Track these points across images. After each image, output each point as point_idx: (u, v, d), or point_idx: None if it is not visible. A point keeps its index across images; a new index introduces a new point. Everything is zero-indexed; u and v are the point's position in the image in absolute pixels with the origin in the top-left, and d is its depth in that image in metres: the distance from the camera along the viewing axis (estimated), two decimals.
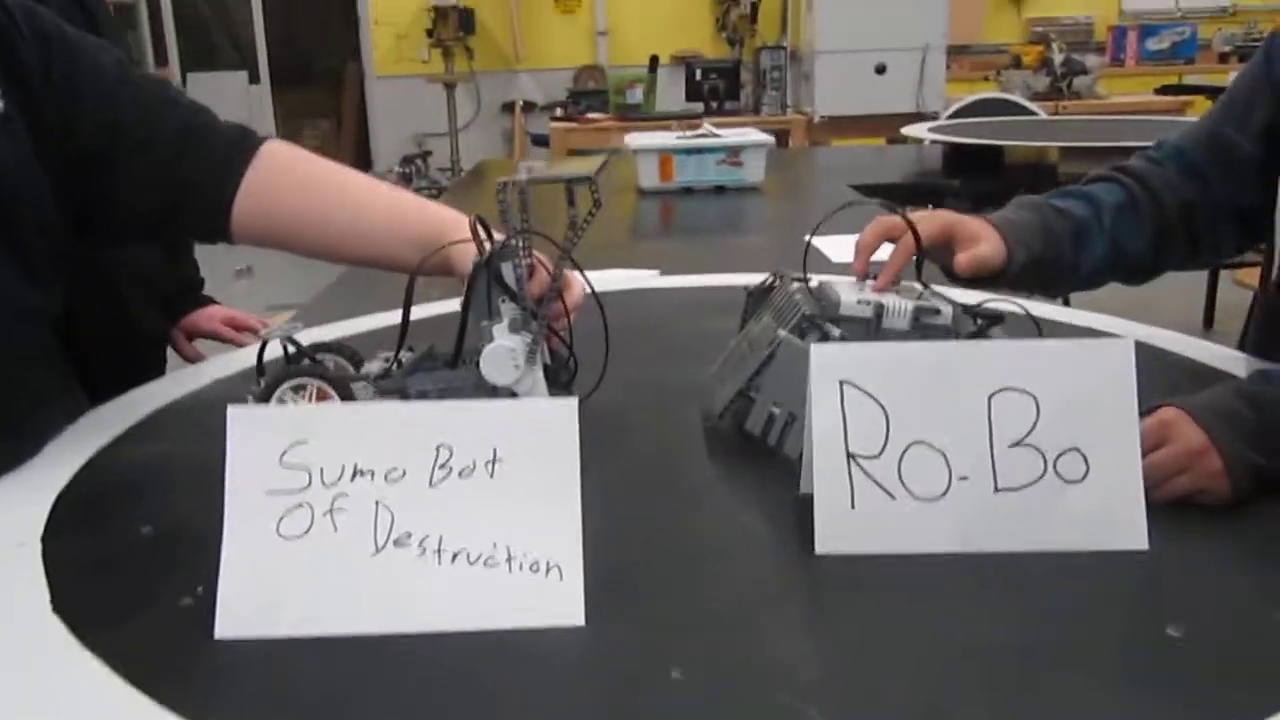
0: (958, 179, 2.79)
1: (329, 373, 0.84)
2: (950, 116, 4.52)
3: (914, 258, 0.94)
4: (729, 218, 2.29)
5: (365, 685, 0.55)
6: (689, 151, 2.52)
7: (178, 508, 0.76)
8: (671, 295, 1.41)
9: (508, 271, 0.85)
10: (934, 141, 3.11)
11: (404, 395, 0.85)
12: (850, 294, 0.87)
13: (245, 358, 1.14)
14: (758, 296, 0.97)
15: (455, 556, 0.60)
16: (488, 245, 0.85)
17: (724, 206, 2.38)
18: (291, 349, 0.85)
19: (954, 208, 3.00)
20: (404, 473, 0.60)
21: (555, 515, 0.61)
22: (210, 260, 1.50)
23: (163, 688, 0.53)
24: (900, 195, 2.92)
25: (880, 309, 0.85)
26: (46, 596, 0.62)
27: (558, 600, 0.59)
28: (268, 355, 0.87)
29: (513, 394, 0.84)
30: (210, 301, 1.50)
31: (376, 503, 0.60)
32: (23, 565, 0.67)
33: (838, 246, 1.82)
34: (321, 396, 0.82)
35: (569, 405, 0.63)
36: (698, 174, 2.53)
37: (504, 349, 0.82)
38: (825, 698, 0.52)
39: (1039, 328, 0.90)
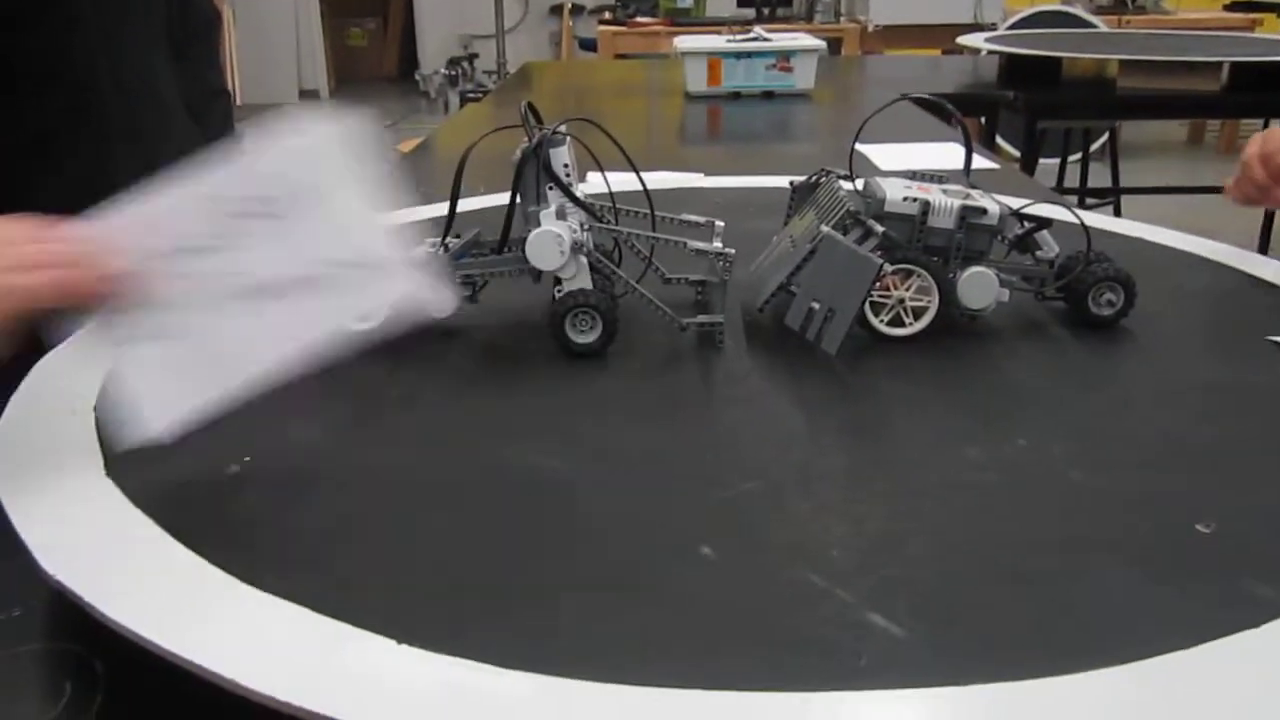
0: (1013, 91, 2.73)
1: None
2: (1009, 29, 4.40)
3: (965, 156, 0.94)
4: (777, 123, 2.26)
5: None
6: (738, 55, 2.48)
7: None
8: (715, 195, 1.40)
9: (556, 159, 0.85)
10: (990, 52, 3.03)
11: (454, 280, 0.86)
12: (896, 191, 0.86)
13: None
14: (803, 193, 0.96)
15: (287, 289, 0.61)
16: (536, 132, 0.86)
17: (772, 112, 2.35)
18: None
19: (1009, 120, 2.94)
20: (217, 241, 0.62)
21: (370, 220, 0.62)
22: None
23: (209, 546, 0.55)
24: (957, 107, 2.88)
25: (926, 206, 0.84)
26: (100, 462, 0.64)
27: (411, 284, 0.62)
28: None
29: (558, 281, 0.85)
30: None
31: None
32: (78, 431, 0.69)
33: (886, 154, 1.80)
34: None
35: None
36: (746, 79, 2.49)
37: (550, 234, 0.82)
38: (852, 581, 0.53)
39: (1088, 233, 0.89)
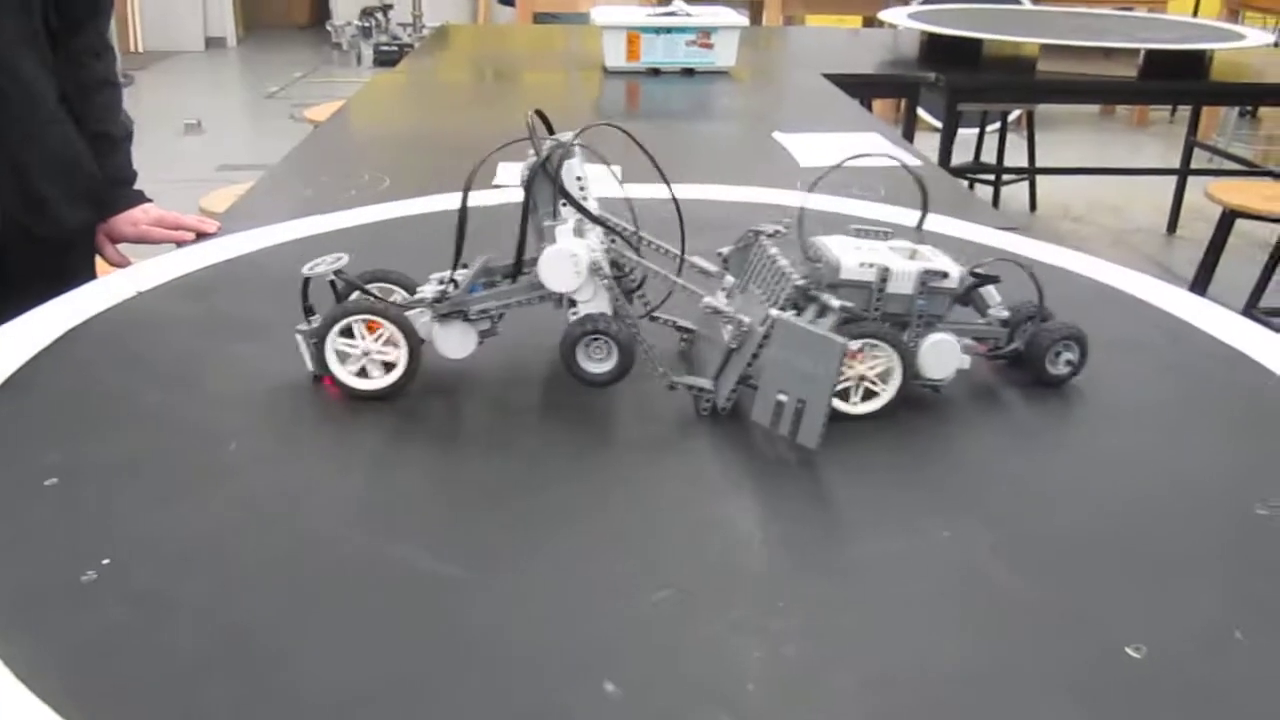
0: (934, 70, 2.70)
1: (383, 305, 0.79)
2: (929, 0, 4.38)
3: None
4: (698, 103, 2.20)
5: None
6: (658, 30, 2.42)
7: (89, 456, 0.71)
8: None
9: (569, 173, 0.78)
10: (909, 28, 3.01)
11: (465, 317, 0.80)
12: (850, 256, 0.78)
13: (176, 265, 1.07)
14: (736, 259, 0.87)
15: None
16: (546, 143, 0.78)
17: (692, 90, 2.29)
18: (340, 284, 0.81)
19: (929, 100, 2.92)
20: None
21: None
22: (158, 115, 1.40)
23: (51, 688, 0.49)
24: (876, 87, 2.85)
25: (885, 273, 0.77)
26: None
27: None
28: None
29: (573, 303, 0.79)
30: (142, 199, 1.40)
31: None
32: None
33: (806, 145, 1.76)
34: (372, 329, 0.78)
35: None
36: (666, 55, 2.42)
37: (564, 253, 0.75)
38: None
39: (1038, 285, 0.85)
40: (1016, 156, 4.36)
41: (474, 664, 0.52)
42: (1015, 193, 4.41)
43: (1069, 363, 0.84)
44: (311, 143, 1.92)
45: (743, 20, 2.47)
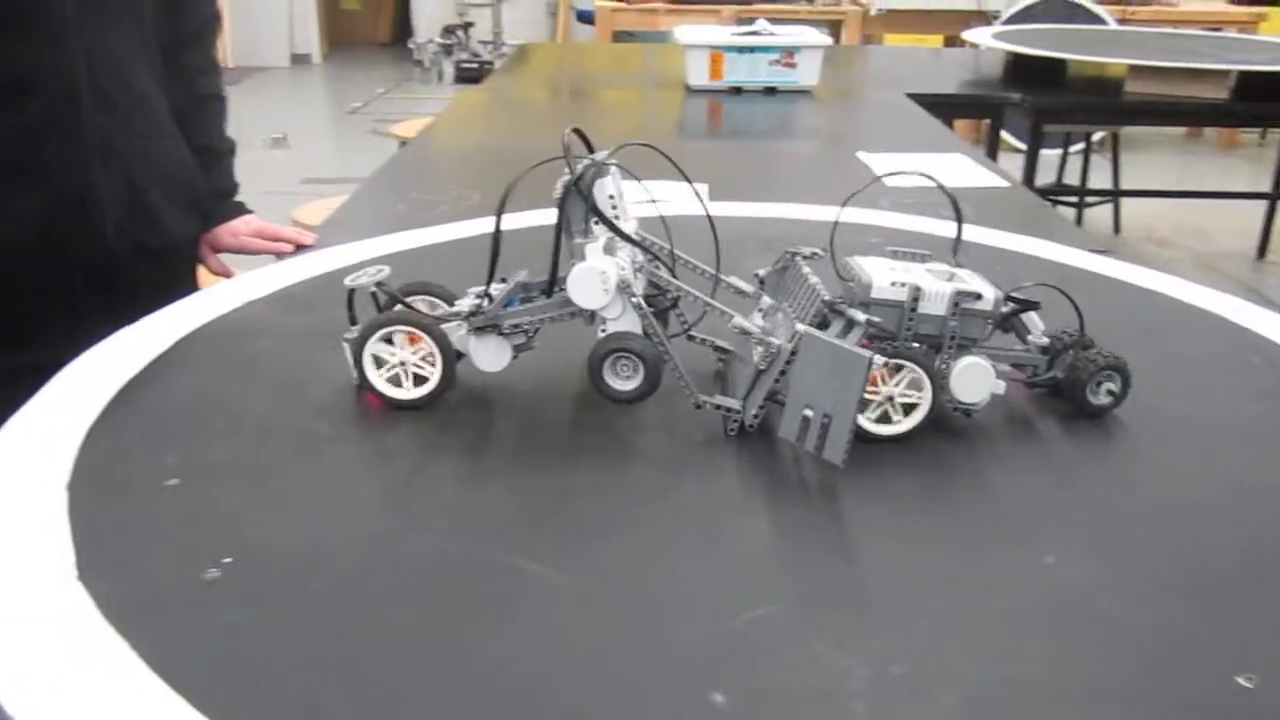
0: (1018, 91, 2.68)
1: (420, 317, 0.81)
2: (1010, 19, 4.34)
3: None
4: (780, 122, 2.21)
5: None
6: (741, 50, 2.43)
7: (205, 458, 0.73)
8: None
9: (601, 192, 0.79)
10: (990, 48, 2.98)
11: (499, 331, 0.82)
12: (883, 276, 0.78)
13: (280, 276, 1.10)
14: (772, 280, 0.88)
15: None
16: (580, 163, 0.79)
17: (774, 109, 2.30)
18: (383, 296, 0.84)
19: (1011, 121, 2.89)
20: None
21: None
22: (245, 128, 1.45)
23: (188, 681, 0.51)
24: (958, 108, 2.82)
25: (917, 292, 0.77)
26: (73, 559, 0.60)
27: None
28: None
29: (591, 320, 0.80)
30: (243, 210, 1.44)
31: None
32: (50, 519, 0.65)
33: (891, 167, 1.76)
34: (414, 341, 0.80)
35: None
36: (749, 74, 2.43)
37: (593, 270, 0.77)
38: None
39: (1079, 311, 0.84)
40: (1100, 178, 4.30)
41: (577, 668, 0.54)
42: (1098, 215, 4.34)
43: (1110, 393, 0.82)
44: (401, 158, 1.96)
45: (827, 40, 2.47)
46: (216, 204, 1.41)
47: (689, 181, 0.84)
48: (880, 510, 0.70)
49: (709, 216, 0.84)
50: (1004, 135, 3.84)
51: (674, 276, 0.83)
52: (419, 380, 0.81)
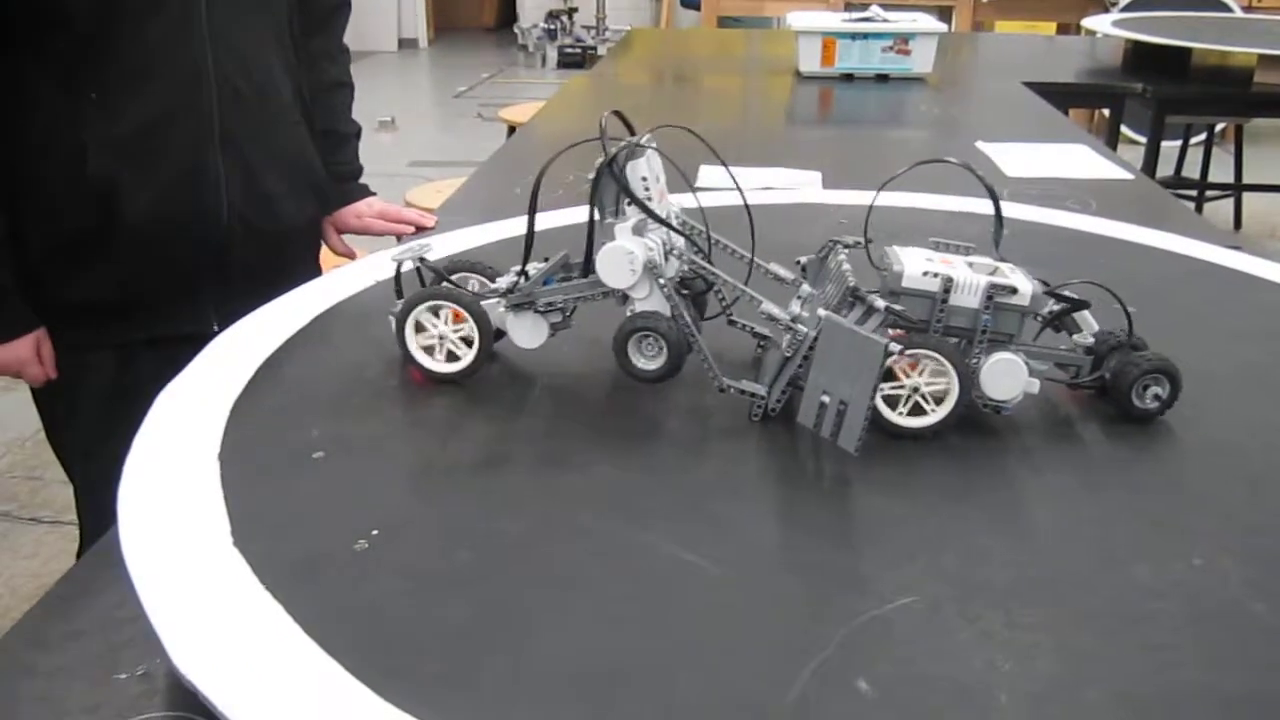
0: (1137, 81, 2.60)
1: (459, 293, 0.83)
2: (1129, 5, 4.21)
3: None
4: (894, 110, 2.18)
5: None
6: (854, 36, 2.40)
7: (349, 432, 0.76)
8: (832, 213, 1.34)
9: (634, 173, 0.79)
10: (1108, 35, 2.89)
11: (535, 309, 0.83)
12: (916, 263, 0.76)
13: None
14: (814, 269, 0.86)
15: None
16: (618, 143, 0.80)
17: (887, 97, 2.27)
18: (428, 272, 0.86)
19: (1131, 111, 2.81)
20: None
21: None
22: (355, 112, 1.47)
23: (341, 644, 0.53)
24: (1075, 97, 2.75)
25: (949, 283, 0.75)
26: (228, 528, 0.62)
27: None
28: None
29: (623, 300, 0.81)
30: (367, 193, 1.47)
31: None
32: (205, 481, 0.67)
33: (1009, 155, 1.72)
34: (456, 317, 0.83)
35: None
36: (862, 60, 2.41)
37: (621, 250, 0.78)
38: None
39: (1127, 312, 0.80)
40: (1220, 172, 4.15)
41: (719, 650, 0.54)
42: (1218, 209, 4.20)
43: (1157, 397, 0.78)
44: (515, 143, 1.99)
45: (941, 26, 2.43)
46: (341, 186, 1.44)
47: (724, 165, 0.85)
48: (1021, 503, 0.69)
49: (746, 205, 0.85)
50: (1122, 128, 3.73)
51: (710, 260, 0.84)
52: (452, 357, 0.84)
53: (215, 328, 1.22)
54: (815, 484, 0.71)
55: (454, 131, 5.84)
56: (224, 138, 1.22)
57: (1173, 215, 1.45)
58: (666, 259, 0.80)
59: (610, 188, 0.80)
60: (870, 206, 0.84)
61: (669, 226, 0.80)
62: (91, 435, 1.25)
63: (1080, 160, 1.72)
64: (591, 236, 0.81)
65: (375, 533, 0.62)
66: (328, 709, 0.49)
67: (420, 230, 1.32)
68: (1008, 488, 0.72)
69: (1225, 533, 0.66)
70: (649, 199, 0.79)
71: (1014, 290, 0.76)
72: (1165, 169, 3.92)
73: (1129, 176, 1.65)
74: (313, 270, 1.38)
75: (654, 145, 0.82)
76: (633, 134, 0.82)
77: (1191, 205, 4.03)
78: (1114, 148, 2.66)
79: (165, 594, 0.56)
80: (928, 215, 1.30)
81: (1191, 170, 4.12)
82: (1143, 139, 3.33)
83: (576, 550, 0.62)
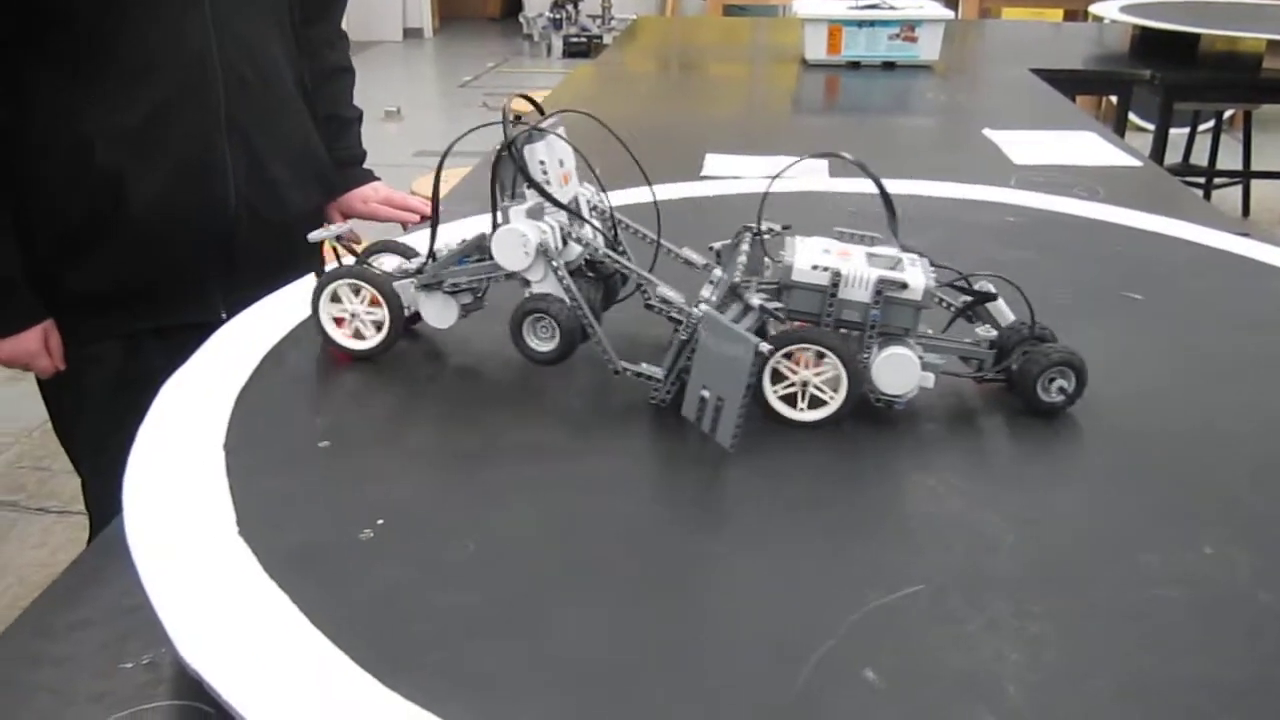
0: (1145, 67, 2.59)
1: (370, 273, 0.85)
2: None
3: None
4: (900, 98, 2.17)
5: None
6: (860, 24, 2.39)
7: (353, 421, 0.75)
8: (839, 202, 1.33)
9: (532, 156, 0.80)
10: (1115, 21, 2.88)
11: (443, 289, 0.84)
12: (807, 256, 0.75)
13: (410, 242, 1.12)
14: (727, 255, 0.85)
15: None
16: (515, 127, 0.80)
17: (894, 85, 2.26)
18: (344, 252, 0.88)
19: (1136, 97, 2.79)
20: None
21: None
22: (360, 102, 1.47)
23: (346, 634, 0.53)
24: (1083, 84, 2.74)
25: (837, 277, 0.74)
26: (233, 517, 0.62)
27: None
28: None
29: (527, 282, 0.81)
30: (371, 177, 1.47)
31: None
32: (209, 471, 0.67)
33: (1020, 144, 1.72)
34: (374, 301, 0.84)
35: None
36: (868, 48, 2.40)
37: (514, 232, 0.78)
38: None
39: (1029, 304, 0.79)
40: (1229, 158, 4.14)
41: (724, 640, 0.54)
42: (1225, 196, 4.18)
43: (1062, 390, 0.77)
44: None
45: (948, 13, 2.42)
46: (345, 171, 1.44)
47: (634, 157, 0.85)
48: (1026, 490, 0.69)
49: (652, 192, 0.85)
50: (1130, 116, 3.72)
51: (615, 244, 0.85)
52: (358, 335, 0.85)
53: (223, 316, 1.23)
54: (814, 475, 0.71)
55: (459, 121, 5.83)
56: (230, 126, 1.22)
57: (1181, 202, 1.44)
58: (565, 243, 0.81)
59: (510, 170, 0.81)
60: (764, 194, 0.82)
61: (564, 208, 0.81)
62: (99, 426, 1.25)
63: (1088, 147, 1.72)
64: (494, 219, 0.82)
65: (381, 522, 0.62)
66: (333, 699, 0.49)
67: (425, 218, 1.32)
68: (1016, 476, 0.72)
69: (1232, 521, 0.65)
70: (547, 182, 0.80)
71: (904, 285, 0.74)
72: (1173, 156, 3.91)
73: (1137, 163, 1.64)
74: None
75: (559, 131, 0.82)
76: (543, 114, 0.83)
77: (1200, 192, 4.01)
78: (1122, 134, 2.65)
79: (170, 583, 0.56)
80: (931, 203, 1.29)
81: (1200, 157, 4.11)
82: (1151, 126, 3.32)
83: (588, 539, 0.62)
